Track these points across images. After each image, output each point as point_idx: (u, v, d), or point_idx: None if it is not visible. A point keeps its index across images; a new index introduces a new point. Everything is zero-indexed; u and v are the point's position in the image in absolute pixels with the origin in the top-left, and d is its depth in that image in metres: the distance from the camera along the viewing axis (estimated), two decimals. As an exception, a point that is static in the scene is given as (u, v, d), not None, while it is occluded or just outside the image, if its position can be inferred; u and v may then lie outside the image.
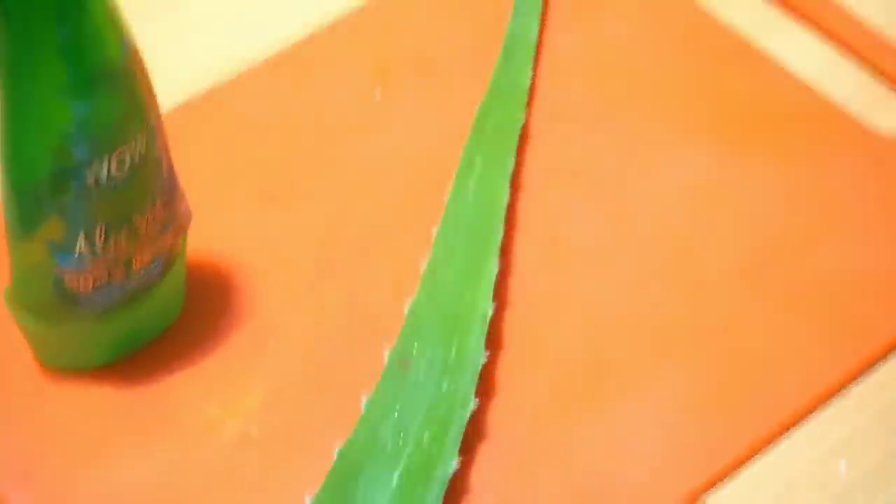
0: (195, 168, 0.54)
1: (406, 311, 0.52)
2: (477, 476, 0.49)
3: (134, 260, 0.48)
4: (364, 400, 0.49)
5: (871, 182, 0.57)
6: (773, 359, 0.52)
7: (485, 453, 0.49)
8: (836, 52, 0.62)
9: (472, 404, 0.49)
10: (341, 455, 0.48)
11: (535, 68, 0.62)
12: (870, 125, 0.60)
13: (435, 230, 0.55)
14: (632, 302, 0.54)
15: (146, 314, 0.51)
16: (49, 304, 0.48)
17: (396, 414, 0.49)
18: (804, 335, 0.53)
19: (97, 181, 0.45)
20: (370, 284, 0.55)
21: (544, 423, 0.50)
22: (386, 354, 0.50)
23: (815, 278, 0.54)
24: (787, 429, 0.50)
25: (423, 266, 0.53)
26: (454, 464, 0.47)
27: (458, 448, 0.48)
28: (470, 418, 0.50)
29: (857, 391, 0.52)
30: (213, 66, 0.62)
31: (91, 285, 0.48)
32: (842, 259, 0.55)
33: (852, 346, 0.52)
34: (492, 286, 0.52)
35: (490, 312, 0.51)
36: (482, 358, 0.50)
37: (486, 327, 0.51)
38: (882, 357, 0.52)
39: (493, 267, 0.53)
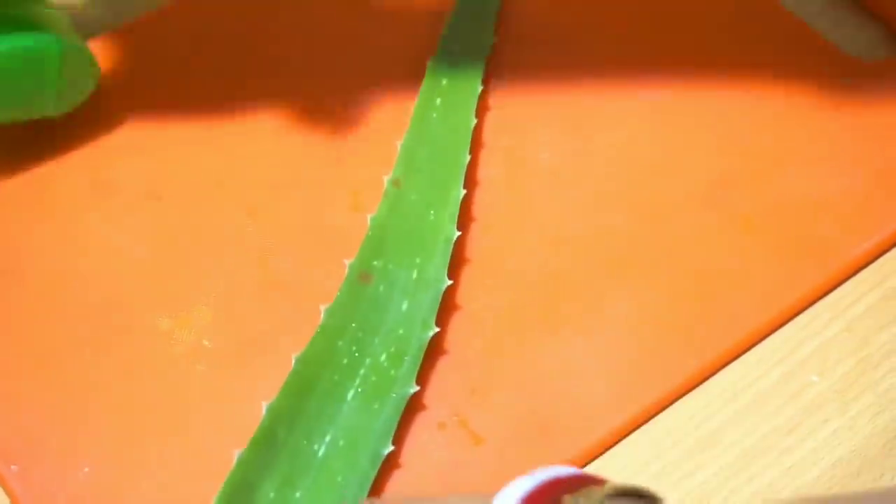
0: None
1: (368, 223, 0.51)
2: (433, 393, 0.49)
3: None
4: (323, 310, 0.48)
5: (836, 103, 0.57)
6: (732, 279, 0.52)
7: (442, 371, 0.49)
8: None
9: (432, 330, 0.48)
10: (298, 362, 0.47)
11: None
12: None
13: (399, 144, 0.54)
14: (593, 223, 0.54)
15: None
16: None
17: (355, 326, 0.48)
18: (765, 256, 0.53)
19: None
20: (329, 196, 0.54)
21: (502, 343, 0.50)
22: (346, 265, 0.49)
23: (777, 200, 0.54)
24: (747, 348, 0.50)
25: (386, 180, 0.52)
26: (412, 388, 0.47)
27: (416, 373, 0.47)
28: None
29: (825, 305, 0.51)
30: None
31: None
32: (803, 181, 0.55)
33: (814, 266, 0.52)
34: (457, 210, 0.52)
35: (454, 237, 0.51)
36: (444, 283, 0.50)
37: (449, 252, 0.50)
38: (846, 275, 0.52)
39: (459, 191, 0.52)
